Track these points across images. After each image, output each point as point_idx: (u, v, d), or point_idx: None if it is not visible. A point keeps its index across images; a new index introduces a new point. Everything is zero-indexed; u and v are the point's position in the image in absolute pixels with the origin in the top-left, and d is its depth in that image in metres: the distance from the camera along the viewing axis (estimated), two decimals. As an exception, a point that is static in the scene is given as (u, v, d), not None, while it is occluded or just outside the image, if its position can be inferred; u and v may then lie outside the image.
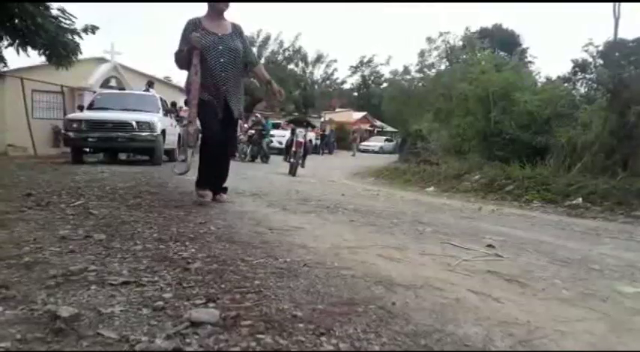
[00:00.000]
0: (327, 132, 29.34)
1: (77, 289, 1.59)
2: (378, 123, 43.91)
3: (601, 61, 12.25)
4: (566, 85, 17.33)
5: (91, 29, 10.18)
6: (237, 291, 1.66)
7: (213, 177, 4.11)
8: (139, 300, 1.51)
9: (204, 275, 1.83)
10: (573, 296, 1.94)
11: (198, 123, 4.10)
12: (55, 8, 9.57)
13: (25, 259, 1.92)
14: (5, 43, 9.54)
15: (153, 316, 1.38)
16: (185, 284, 1.70)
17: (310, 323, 1.39)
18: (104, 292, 1.57)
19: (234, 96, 4.03)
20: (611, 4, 9.22)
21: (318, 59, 34.72)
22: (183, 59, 3.88)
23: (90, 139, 9.60)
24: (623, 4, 9.08)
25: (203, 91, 3.87)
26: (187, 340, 1.23)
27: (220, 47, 3.91)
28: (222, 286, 1.71)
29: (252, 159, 15.31)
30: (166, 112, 11.72)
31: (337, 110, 39.35)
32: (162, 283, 1.70)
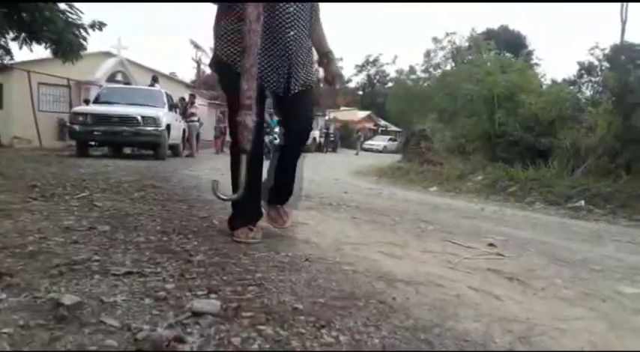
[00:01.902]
0: (331, 131, 29.39)
1: (80, 278, 1.60)
2: (382, 122, 43.93)
3: (607, 64, 12.21)
4: (571, 87, 17.30)
5: (99, 25, 10.21)
6: (238, 283, 1.67)
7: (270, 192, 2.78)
8: (142, 290, 1.52)
9: (207, 268, 1.84)
10: (573, 295, 1.95)
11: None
12: (63, 2, 9.60)
13: (29, 248, 1.93)
14: (11, 35, 9.57)
15: (155, 306, 1.39)
16: (187, 275, 1.72)
17: (311, 316, 1.40)
18: (107, 282, 1.58)
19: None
20: (618, 8, 9.18)
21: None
22: None
23: (95, 133, 9.65)
24: (631, 7, 9.04)
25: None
26: (189, 329, 1.24)
27: None
28: (224, 278, 1.72)
29: None
30: (171, 107, 11.76)
31: (342, 109, 39.36)
32: (165, 274, 1.72)
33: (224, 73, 2.52)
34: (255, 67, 2.29)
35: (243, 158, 2.34)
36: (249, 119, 2.29)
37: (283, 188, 2.79)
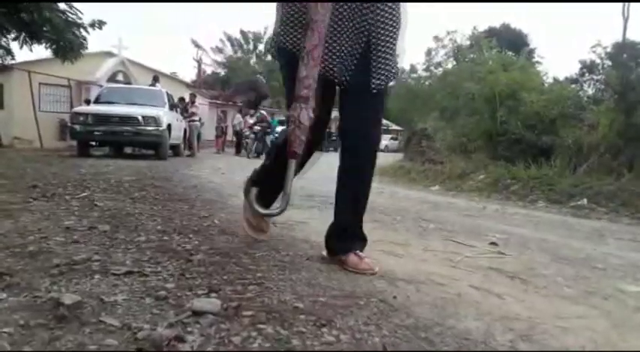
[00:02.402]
0: (332, 130, 29.40)
1: (80, 278, 1.60)
2: (384, 121, 43.92)
3: (609, 62, 12.18)
4: (573, 85, 17.25)
5: (98, 24, 10.23)
6: (239, 283, 1.66)
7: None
8: (142, 290, 1.52)
9: (207, 267, 1.84)
10: (575, 293, 1.94)
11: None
12: (63, 2, 9.62)
13: (29, 248, 1.93)
14: (12, 35, 9.58)
15: (155, 305, 1.39)
16: (188, 275, 1.71)
17: (311, 315, 1.39)
18: (107, 281, 1.58)
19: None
20: (620, 6, 9.17)
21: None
22: None
23: (96, 133, 9.66)
24: (633, 5, 9.03)
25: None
26: (189, 329, 1.24)
27: None
28: (225, 277, 1.72)
29: (257, 155, 15.37)
30: (172, 107, 11.76)
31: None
32: (165, 274, 1.71)
33: (287, 62, 2.08)
34: (321, 48, 1.84)
35: (292, 164, 1.94)
36: (305, 115, 1.85)
37: (347, 229, 2.14)
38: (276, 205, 2.12)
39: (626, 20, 9.24)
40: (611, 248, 3.34)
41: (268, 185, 2.19)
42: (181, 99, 14.45)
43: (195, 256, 1.99)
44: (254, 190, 2.10)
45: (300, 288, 1.66)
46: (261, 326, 1.28)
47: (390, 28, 1.98)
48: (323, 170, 3.04)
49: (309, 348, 1.18)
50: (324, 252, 2.17)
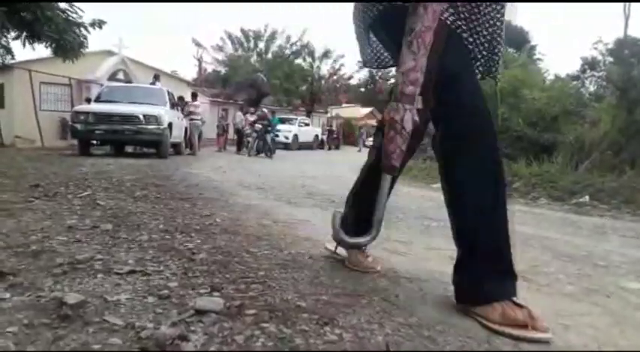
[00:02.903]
0: (333, 128, 29.42)
1: (83, 277, 1.60)
2: (386, 119, 43.81)
3: (611, 59, 12.16)
4: (575, 82, 17.23)
5: (99, 23, 10.22)
6: (241, 281, 1.67)
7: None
8: (145, 289, 1.52)
9: (209, 266, 1.84)
10: (577, 291, 1.94)
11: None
12: (64, 2, 9.63)
13: (32, 247, 1.93)
14: (12, 34, 9.59)
15: (158, 304, 1.39)
16: (190, 273, 1.72)
17: (314, 314, 1.39)
18: (110, 280, 1.58)
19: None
20: (621, 4, 9.16)
21: (326, 54, 34.59)
22: None
23: (97, 132, 9.66)
24: (634, 3, 9.01)
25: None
26: (192, 328, 1.24)
27: None
28: (227, 276, 1.72)
29: (257, 153, 15.38)
30: (173, 105, 11.76)
31: (344, 105, 39.29)
32: (168, 272, 1.72)
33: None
34: (431, 33, 1.47)
35: (386, 181, 1.62)
36: (409, 118, 1.49)
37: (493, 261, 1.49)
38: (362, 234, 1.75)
39: (627, 17, 9.23)
40: (613, 245, 3.34)
41: (358, 207, 1.91)
42: (180, 98, 14.44)
43: (197, 255, 1.99)
44: (338, 214, 1.76)
45: (303, 287, 1.67)
46: (264, 324, 1.28)
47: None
48: (325, 169, 3.03)
49: (312, 347, 1.19)
50: (329, 245, 2.09)
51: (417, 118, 1.51)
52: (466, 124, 1.52)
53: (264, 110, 17.38)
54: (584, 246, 3.15)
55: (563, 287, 1.99)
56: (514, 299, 1.45)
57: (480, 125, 1.54)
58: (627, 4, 9.00)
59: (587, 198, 6.36)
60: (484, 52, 1.65)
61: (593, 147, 8.57)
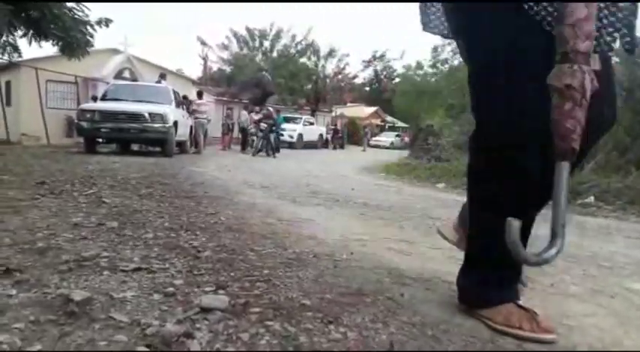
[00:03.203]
0: (338, 127, 29.41)
1: (89, 274, 1.61)
2: (389, 118, 43.79)
3: (617, 59, 12.10)
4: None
5: (105, 22, 10.27)
6: (246, 279, 1.67)
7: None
8: (150, 286, 1.53)
9: (214, 264, 1.85)
10: (582, 292, 1.94)
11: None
12: (70, 1, 9.67)
13: (38, 245, 1.95)
14: (20, 32, 9.64)
15: (164, 301, 1.40)
16: (195, 271, 1.72)
17: (318, 312, 1.40)
18: (116, 278, 1.59)
19: None
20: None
21: (331, 53, 34.57)
22: None
23: (103, 130, 9.70)
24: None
25: None
26: (197, 325, 1.25)
27: None
28: (232, 274, 1.73)
29: (260, 151, 15.38)
30: (178, 104, 11.79)
31: (348, 105, 39.28)
32: (173, 270, 1.73)
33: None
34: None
35: (564, 171, 1.29)
36: (588, 82, 1.16)
37: None
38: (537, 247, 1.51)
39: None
40: (618, 246, 3.32)
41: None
42: (184, 97, 14.46)
43: (202, 253, 2.00)
44: (515, 224, 1.31)
45: (307, 285, 1.67)
46: (269, 322, 1.29)
47: None
48: (329, 168, 3.04)
49: (316, 345, 1.19)
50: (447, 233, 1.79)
51: (597, 83, 1.18)
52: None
53: (270, 109, 17.39)
54: (588, 246, 3.14)
55: (568, 288, 1.98)
56: (518, 302, 1.46)
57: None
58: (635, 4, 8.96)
59: (592, 198, 6.34)
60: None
61: (598, 147, 8.52)
